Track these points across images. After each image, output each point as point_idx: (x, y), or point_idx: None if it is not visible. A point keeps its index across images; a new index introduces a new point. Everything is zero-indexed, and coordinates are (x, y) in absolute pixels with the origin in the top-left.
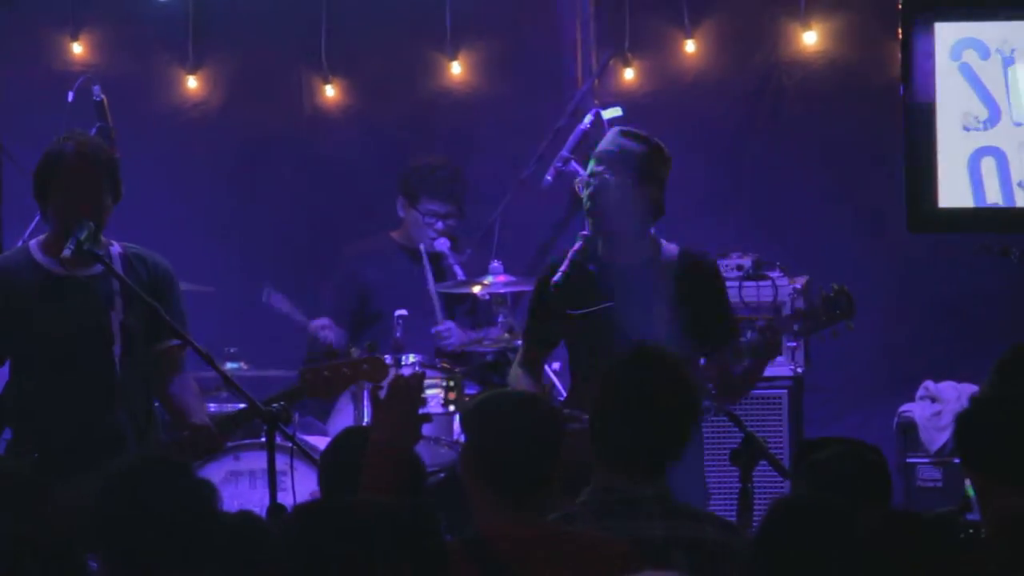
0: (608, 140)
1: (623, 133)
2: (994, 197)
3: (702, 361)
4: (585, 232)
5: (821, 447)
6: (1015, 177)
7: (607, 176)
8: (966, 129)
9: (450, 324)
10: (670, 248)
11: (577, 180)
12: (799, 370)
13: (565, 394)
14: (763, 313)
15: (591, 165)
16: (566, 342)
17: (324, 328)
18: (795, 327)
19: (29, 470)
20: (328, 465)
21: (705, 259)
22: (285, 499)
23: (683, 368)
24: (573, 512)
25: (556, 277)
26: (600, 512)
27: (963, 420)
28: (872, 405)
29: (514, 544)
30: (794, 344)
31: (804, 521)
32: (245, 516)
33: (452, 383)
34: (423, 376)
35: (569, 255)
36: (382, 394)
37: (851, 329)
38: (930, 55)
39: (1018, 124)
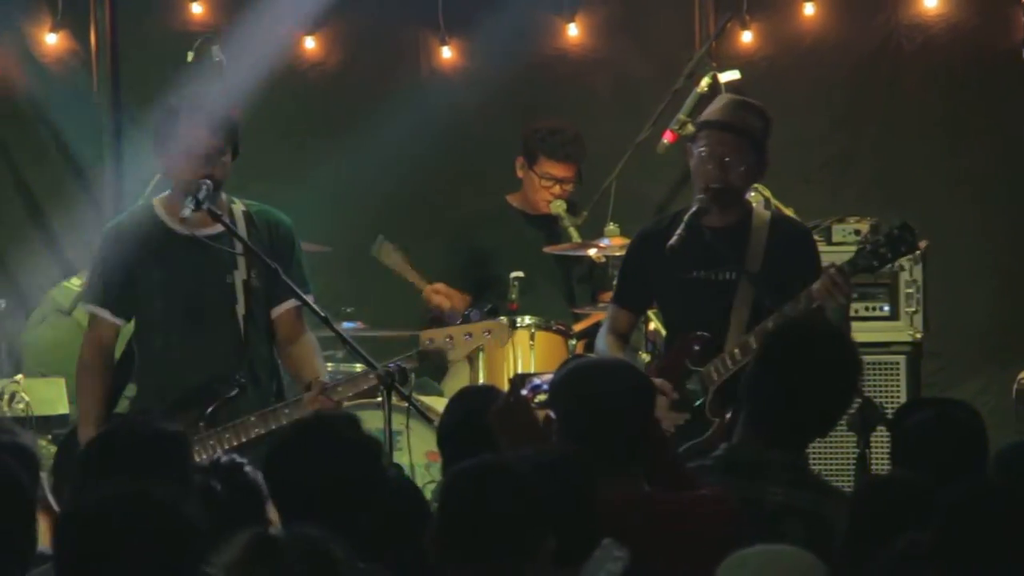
0: (728, 111)
1: (743, 106)
2: None
3: None
4: (701, 196)
5: (914, 410)
6: None
7: (729, 157)
8: None
9: None
10: (762, 213)
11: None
12: (917, 336)
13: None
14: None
15: (707, 133)
16: (670, 305)
17: (436, 293)
18: (858, 263)
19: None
20: (446, 427)
21: (798, 226)
22: (401, 459)
23: (849, 347)
24: (707, 465)
25: (673, 240)
26: (727, 469)
27: None
28: (991, 371)
29: (609, 511)
30: (912, 310)
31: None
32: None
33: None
34: (521, 387)
35: (685, 219)
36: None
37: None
38: None
39: None
